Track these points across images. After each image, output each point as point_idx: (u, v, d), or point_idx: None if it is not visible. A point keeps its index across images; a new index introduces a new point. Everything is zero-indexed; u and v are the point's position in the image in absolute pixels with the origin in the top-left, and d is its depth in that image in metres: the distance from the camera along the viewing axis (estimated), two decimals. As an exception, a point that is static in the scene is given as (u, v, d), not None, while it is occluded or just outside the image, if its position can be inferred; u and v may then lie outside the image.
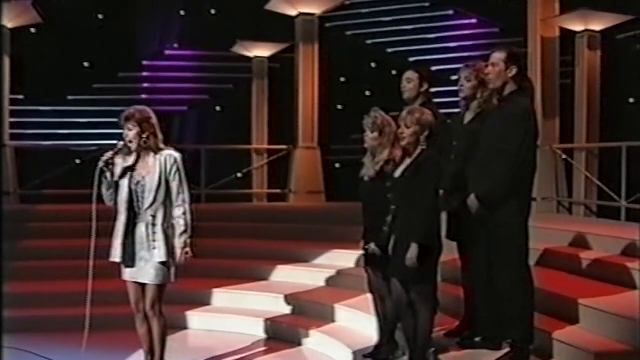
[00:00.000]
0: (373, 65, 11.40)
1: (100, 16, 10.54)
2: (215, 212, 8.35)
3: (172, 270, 4.59)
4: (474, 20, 10.69)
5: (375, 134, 4.62)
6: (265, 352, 5.75)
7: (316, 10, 9.66)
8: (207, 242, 7.22)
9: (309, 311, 6.26)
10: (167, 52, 10.74)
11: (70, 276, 6.84)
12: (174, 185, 4.54)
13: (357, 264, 6.87)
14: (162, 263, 4.51)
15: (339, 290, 6.54)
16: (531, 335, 4.15)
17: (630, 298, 4.68)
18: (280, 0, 9.43)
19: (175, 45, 10.77)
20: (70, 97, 10.38)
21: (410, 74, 5.19)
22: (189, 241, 4.55)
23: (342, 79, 11.28)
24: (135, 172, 4.56)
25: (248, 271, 7.11)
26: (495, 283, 4.22)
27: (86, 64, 10.46)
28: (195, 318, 6.38)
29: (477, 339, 4.50)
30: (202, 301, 6.60)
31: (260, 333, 6.17)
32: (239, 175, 10.40)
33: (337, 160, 10.77)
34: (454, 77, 10.96)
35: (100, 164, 4.52)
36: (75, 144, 10.10)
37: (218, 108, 10.83)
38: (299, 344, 5.90)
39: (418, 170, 4.18)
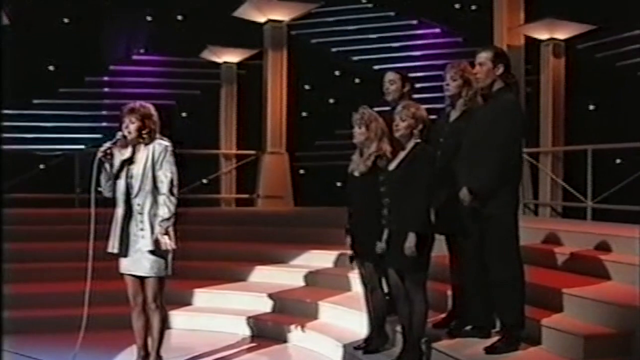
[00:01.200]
0: (337, 73, 11.60)
1: (66, 20, 10.43)
2: (187, 215, 8.34)
3: (169, 261, 4.63)
4: (437, 30, 11.00)
5: (363, 129, 4.73)
6: (251, 350, 5.79)
7: (285, 17, 9.80)
8: (183, 244, 7.36)
9: (291, 309, 6.34)
10: (134, 57, 10.70)
11: (42, 278, 6.85)
12: (161, 173, 4.57)
13: (336, 263, 7.04)
14: (153, 253, 4.53)
15: (319, 289, 6.66)
16: (522, 320, 4.33)
17: (609, 287, 4.94)
18: (249, 7, 9.52)
19: (142, 51, 10.73)
20: (35, 101, 10.25)
21: (392, 76, 5.34)
22: (170, 229, 4.59)
23: (307, 87, 11.43)
24: (131, 165, 4.60)
25: (226, 272, 7.15)
26: (488, 272, 4.37)
27: (51, 68, 10.34)
28: (178, 318, 6.37)
29: (468, 328, 4.64)
30: (183, 301, 6.61)
31: (244, 331, 6.23)
32: (204, 181, 10.41)
33: (302, 166, 10.92)
34: (418, 85, 11.36)
35: (99, 154, 4.54)
36: (40, 148, 9.96)
37: (184, 114, 10.83)
38: (285, 341, 5.98)
39: (413, 162, 4.33)
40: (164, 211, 4.54)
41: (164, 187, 4.56)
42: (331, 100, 11.66)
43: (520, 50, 8.43)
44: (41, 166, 9.84)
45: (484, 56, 4.45)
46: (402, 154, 4.44)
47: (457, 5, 10.99)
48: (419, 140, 4.40)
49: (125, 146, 4.65)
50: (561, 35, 8.15)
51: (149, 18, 10.72)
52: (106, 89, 10.55)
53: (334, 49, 11.42)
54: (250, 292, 6.72)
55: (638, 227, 6.03)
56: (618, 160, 8.14)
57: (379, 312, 4.90)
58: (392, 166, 4.47)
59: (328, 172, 11.33)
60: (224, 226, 8.31)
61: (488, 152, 4.27)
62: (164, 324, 4.76)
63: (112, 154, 4.60)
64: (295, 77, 10.37)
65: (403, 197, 4.33)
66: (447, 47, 10.88)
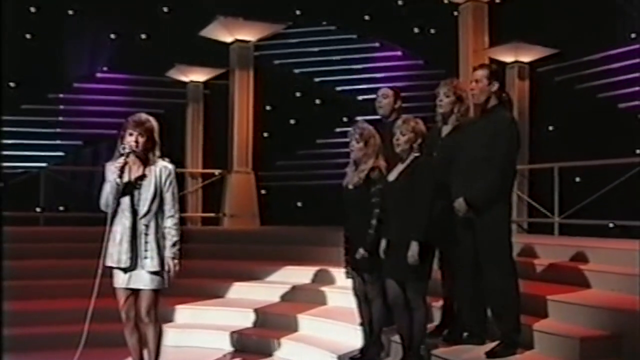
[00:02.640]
0: (298, 94, 11.76)
1: (28, 36, 10.27)
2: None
3: (166, 275, 4.62)
4: (398, 53, 11.30)
5: (361, 144, 4.86)
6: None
7: (252, 37, 9.89)
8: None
9: (273, 323, 6.38)
10: (98, 75, 10.60)
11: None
12: (168, 195, 4.58)
13: (311, 279, 7.13)
14: (156, 272, 4.53)
15: (296, 303, 6.71)
16: (519, 325, 4.49)
17: (591, 294, 5.17)
18: (217, 27, 9.58)
19: (106, 68, 10.64)
20: (-4, 117, 10.01)
21: (385, 91, 5.50)
22: (178, 253, 4.61)
23: (268, 107, 11.54)
24: (130, 177, 4.56)
25: (205, 289, 7.13)
26: (484, 280, 4.54)
27: (12, 84, 10.14)
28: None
29: (464, 335, 4.78)
30: (166, 318, 6.46)
31: (228, 346, 6.22)
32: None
33: (263, 186, 10.96)
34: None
35: (116, 171, 4.46)
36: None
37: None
38: (270, 355, 5.99)
39: (413, 174, 4.46)
40: (173, 234, 4.56)
41: (171, 210, 4.57)
42: (292, 121, 11.80)
43: (485, 73, 8.72)
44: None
45: (479, 74, 4.65)
46: (400, 166, 4.58)
47: (416, 29, 11.34)
48: (418, 154, 4.55)
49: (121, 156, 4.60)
50: (526, 58, 8.53)
51: (112, 36, 10.63)
52: (69, 106, 10.40)
53: (296, 70, 11.59)
54: (230, 308, 6.73)
55: (608, 239, 6.37)
56: (578, 179, 8.52)
57: (377, 322, 4.98)
58: (391, 177, 4.59)
59: (288, 192, 11.47)
60: (198, 244, 8.24)
61: (485, 165, 4.44)
62: (161, 337, 4.71)
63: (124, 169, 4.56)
64: (258, 97, 10.47)
65: (404, 207, 4.46)
66: (408, 70, 11.21)
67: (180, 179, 10.23)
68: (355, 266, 4.96)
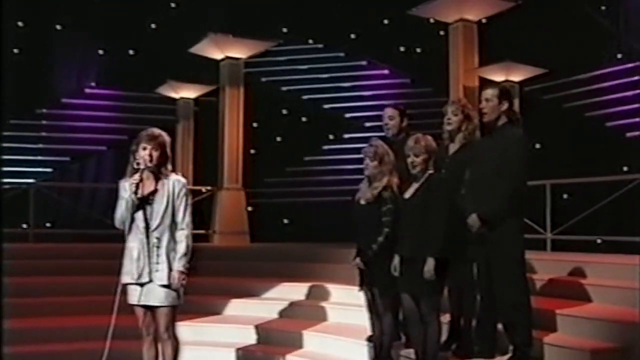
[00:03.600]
0: (284, 111, 11.84)
1: (16, 50, 10.19)
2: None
3: (181, 290, 4.62)
4: (386, 71, 11.45)
5: (376, 162, 4.94)
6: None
7: (242, 54, 9.94)
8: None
9: (277, 340, 6.40)
10: (87, 91, 10.56)
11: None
12: (181, 208, 4.60)
13: (307, 296, 7.16)
14: (167, 285, 4.53)
15: (297, 320, 6.75)
16: (531, 339, 4.59)
17: (594, 307, 5.29)
18: (208, 44, 9.61)
19: (93, 84, 10.59)
20: (-17, 133, 9.89)
21: (391, 112, 5.58)
22: (186, 265, 4.61)
23: (255, 124, 11.58)
24: (143, 192, 4.57)
25: (202, 306, 7.09)
26: (497, 295, 4.62)
27: (0, 99, 10.03)
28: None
29: (475, 349, 4.85)
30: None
31: (230, 363, 6.22)
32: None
33: (251, 203, 10.97)
34: (368, 124, 11.75)
35: (133, 188, 4.47)
36: (-12, 181, 9.60)
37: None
38: (277, 371, 6.02)
39: (429, 191, 4.55)
40: (183, 247, 4.57)
41: (182, 223, 4.59)
42: (279, 138, 11.86)
43: (475, 91, 8.89)
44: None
45: (490, 93, 4.76)
46: (416, 184, 4.66)
47: (402, 48, 11.52)
48: (432, 171, 4.64)
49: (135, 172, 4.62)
50: (515, 77, 8.72)
51: (100, 52, 10.61)
52: (57, 122, 10.33)
53: (284, 88, 11.67)
54: (230, 325, 6.74)
55: (602, 255, 6.52)
56: (565, 195, 8.70)
57: (387, 336, 5.04)
58: (407, 195, 4.67)
59: (275, 209, 11.50)
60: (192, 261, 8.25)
61: (498, 181, 4.53)
62: (177, 353, 4.71)
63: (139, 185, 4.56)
64: (246, 114, 10.51)
65: (419, 224, 4.53)
66: (395, 88, 11.39)
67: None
68: (367, 281, 5.02)
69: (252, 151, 11.44)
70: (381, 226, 4.84)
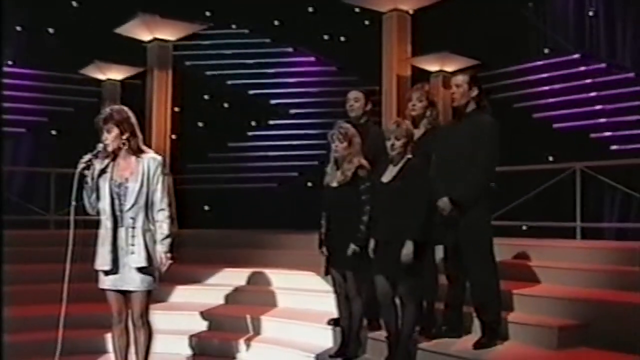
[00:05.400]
0: (209, 97, 11.62)
1: None
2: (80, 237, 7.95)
3: (156, 274, 4.49)
4: (312, 58, 11.46)
5: (345, 144, 4.97)
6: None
7: (172, 36, 9.64)
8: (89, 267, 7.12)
9: (230, 326, 6.30)
10: (4, 70, 9.91)
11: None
12: (158, 188, 4.46)
13: (249, 281, 7.12)
14: (143, 268, 4.39)
15: (248, 306, 6.67)
16: (500, 317, 4.79)
17: (546, 288, 5.58)
18: (136, 24, 9.26)
19: (10, 62, 9.97)
20: None
21: (356, 94, 5.59)
22: (169, 247, 4.49)
23: (176, 109, 11.29)
24: (114, 174, 4.42)
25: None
26: (469, 276, 4.79)
27: None
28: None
29: (443, 328, 5.00)
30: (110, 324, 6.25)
31: (186, 351, 6.07)
32: (74, 203, 9.86)
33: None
34: (293, 111, 11.74)
35: (80, 167, 4.32)
36: None
37: (54, 132, 10.22)
38: (234, 358, 5.93)
39: (409, 175, 4.63)
40: (165, 227, 4.43)
41: (162, 203, 4.45)
42: (200, 124, 11.64)
43: (408, 80, 9.08)
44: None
45: (460, 79, 4.91)
46: (394, 168, 4.72)
47: (326, 37, 11.57)
48: (410, 156, 4.72)
49: (107, 157, 4.46)
50: (450, 68, 8.98)
51: (18, 28, 10.00)
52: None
53: (208, 73, 11.45)
54: (178, 312, 6.56)
55: (543, 240, 6.87)
56: (492, 184, 9.03)
57: (356, 319, 5.09)
58: (386, 179, 4.72)
59: (197, 196, 11.28)
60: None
61: (469, 166, 4.69)
62: (151, 340, 4.57)
63: (93, 166, 4.40)
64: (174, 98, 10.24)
65: (397, 208, 4.60)
66: (321, 75, 11.42)
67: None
68: (339, 263, 5.04)
69: (173, 137, 11.14)
70: (362, 205, 4.87)
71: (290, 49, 11.48)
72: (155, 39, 9.53)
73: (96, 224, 4.48)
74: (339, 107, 11.03)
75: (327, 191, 5.11)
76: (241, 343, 5.97)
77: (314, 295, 6.56)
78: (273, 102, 11.41)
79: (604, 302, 4.95)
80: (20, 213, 8.78)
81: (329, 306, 5.99)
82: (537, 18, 9.17)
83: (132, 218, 4.39)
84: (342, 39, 11.55)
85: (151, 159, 4.48)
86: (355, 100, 5.56)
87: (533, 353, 4.59)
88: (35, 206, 9.01)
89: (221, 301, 6.86)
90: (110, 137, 4.39)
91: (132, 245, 4.37)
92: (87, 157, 4.37)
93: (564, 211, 7.84)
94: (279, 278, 7.11)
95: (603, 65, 8.61)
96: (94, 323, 6.24)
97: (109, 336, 5.98)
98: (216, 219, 10.97)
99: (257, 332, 6.17)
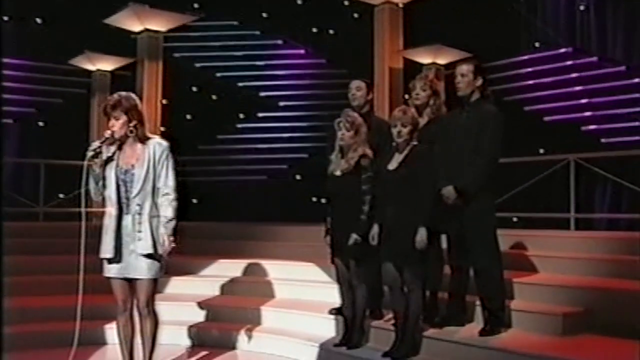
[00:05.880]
0: (195, 89, 11.54)
1: None
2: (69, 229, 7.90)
3: (163, 262, 4.46)
4: (301, 51, 11.43)
5: (352, 133, 4.98)
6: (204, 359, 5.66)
7: (162, 27, 9.58)
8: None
9: (229, 317, 6.27)
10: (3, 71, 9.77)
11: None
12: (162, 173, 4.42)
13: (245, 272, 7.11)
14: (149, 255, 4.35)
15: (245, 297, 6.66)
16: (504, 305, 4.83)
17: (545, 276, 5.64)
18: (127, 15, 9.17)
19: (-3, 53, 9.80)
20: None
21: (358, 83, 5.61)
22: (172, 230, 4.43)
23: (164, 101, 11.21)
24: (120, 161, 4.38)
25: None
26: (473, 264, 4.82)
27: None
28: (112, 332, 5.97)
29: (446, 317, 5.03)
30: (112, 315, 6.17)
31: (185, 341, 6.05)
32: (61, 195, 9.79)
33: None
34: (282, 103, 11.70)
35: (89, 154, 4.28)
36: None
37: (41, 123, 10.09)
38: (233, 348, 5.91)
39: (415, 162, 4.64)
40: (168, 212, 4.39)
41: (167, 188, 4.41)
42: (188, 117, 11.56)
43: (399, 73, 9.11)
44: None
45: (465, 68, 4.93)
46: (399, 156, 4.74)
47: (314, 29, 11.55)
48: (415, 143, 4.74)
49: (112, 144, 4.43)
50: (442, 60, 9.01)
51: (5, 18, 9.84)
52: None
53: (198, 64, 11.38)
54: (174, 303, 6.49)
55: (536, 230, 6.94)
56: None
57: (360, 308, 5.09)
58: (391, 166, 4.74)
59: (185, 188, 11.21)
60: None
61: (474, 155, 4.72)
62: (157, 329, 4.53)
63: (102, 153, 4.36)
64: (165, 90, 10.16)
65: (404, 195, 4.61)
66: (310, 68, 11.39)
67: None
68: (342, 252, 5.04)
69: (162, 128, 11.07)
70: (363, 194, 4.88)
71: (279, 42, 11.44)
72: (146, 30, 9.46)
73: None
74: (328, 99, 11.14)
75: (330, 179, 5.11)
76: (241, 333, 5.95)
77: (311, 286, 6.58)
78: (262, 94, 11.37)
79: (605, 289, 5.02)
80: (8, 205, 8.66)
81: (326, 296, 6.08)
82: (527, 12, 9.24)
83: (139, 205, 4.35)
84: (331, 32, 11.54)
85: (157, 144, 4.45)
86: (357, 89, 5.57)
87: (539, 339, 4.63)
88: (24, 198, 8.89)
89: (217, 292, 6.85)
90: (118, 125, 4.35)
91: (139, 232, 4.34)
92: (95, 144, 4.33)
93: (554, 202, 7.92)
94: (274, 269, 7.11)
95: (594, 58, 8.70)
96: (93, 314, 6.23)
97: (107, 327, 6.02)
98: (205, 211, 10.92)
99: (256, 322, 6.14)
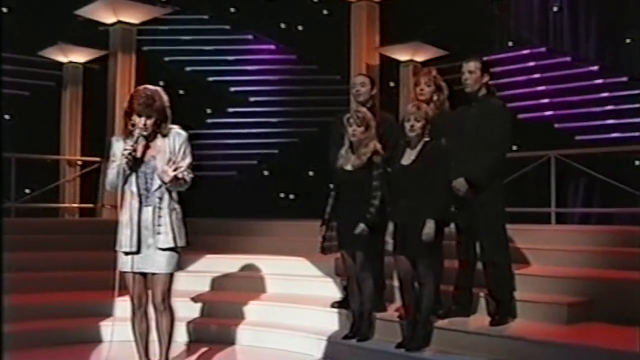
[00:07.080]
0: (162, 83, 11.37)
1: None
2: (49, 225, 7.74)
3: (180, 257, 4.41)
4: (272, 46, 11.41)
5: (362, 128, 5.02)
6: (209, 355, 5.58)
7: (136, 19, 9.42)
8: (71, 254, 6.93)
9: (225, 312, 6.23)
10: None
11: None
12: (183, 164, 4.31)
13: (236, 268, 7.06)
14: (169, 249, 4.30)
15: (238, 292, 6.62)
16: (513, 295, 4.96)
17: (543, 269, 5.80)
18: (100, 6, 8.98)
19: (-39, 43, 9.43)
20: None
21: (363, 79, 5.65)
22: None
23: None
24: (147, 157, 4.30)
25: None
26: (482, 256, 4.94)
27: None
28: (107, 329, 5.84)
29: (453, 307, 5.13)
30: (105, 312, 6.07)
31: (182, 337, 5.95)
32: (27, 190, 9.54)
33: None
34: (253, 99, 11.66)
35: (126, 155, 4.17)
36: None
37: (7, 116, 9.76)
38: (232, 343, 5.87)
39: (429, 157, 4.72)
40: (185, 174, 4.31)
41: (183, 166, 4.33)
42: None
43: (376, 69, 9.20)
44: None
45: (473, 65, 5.05)
46: (412, 151, 4.80)
47: (283, 25, 11.55)
48: (428, 139, 4.81)
49: (136, 140, 4.30)
50: (420, 57, 9.13)
51: (-31, 6, 9.47)
52: None
53: (167, 58, 11.22)
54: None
55: (523, 224, 7.12)
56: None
57: (368, 300, 5.14)
58: (405, 161, 4.80)
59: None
60: (104, 235, 7.73)
61: (484, 148, 4.83)
62: (174, 325, 4.47)
63: (136, 151, 4.25)
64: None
65: (418, 189, 4.68)
66: (281, 63, 11.39)
67: (56, 167, 9.53)
68: (349, 244, 5.08)
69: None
70: (374, 190, 4.93)
71: (250, 36, 11.39)
72: (119, 22, 9.29)
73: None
74: (298, 95, 11.15)
75: (339, 173, 5.13)
76: (240, 328, 5.92)
77: (302, 280, 6.61)
78: (232, 89, 11.31)
79: (605, 280, 5.21)
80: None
81: (318, 289, 6.22)
82: (500, 11, 9.46)
83: (159, 197, 4.29)
84: (300, 28, 11.56)
85: (176, 134, 4.37)
86: (362, 85, 5.61)
87: (546, 328, 4.77)
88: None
89: (205, 287, 6.79)
90: (149, 123, 4.24)
91: (159, 225, 4.27)
92: (129, 145, 4.20)
93: (532, 198, 8.15)
94: (263, 264, 7.07)
95: (568, 58, 8.97)
96: (84, 312, 6.13)
97: (102, 325, 5.91)
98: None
99: (256, 316, 6.12)
